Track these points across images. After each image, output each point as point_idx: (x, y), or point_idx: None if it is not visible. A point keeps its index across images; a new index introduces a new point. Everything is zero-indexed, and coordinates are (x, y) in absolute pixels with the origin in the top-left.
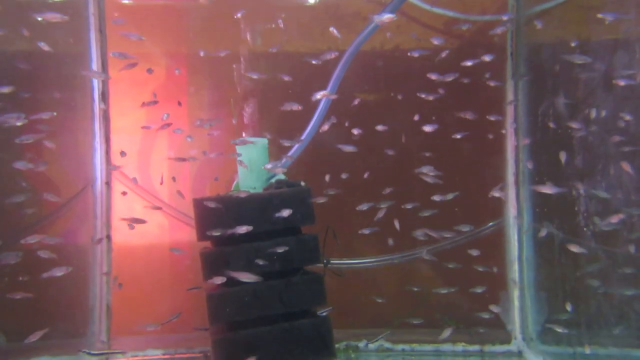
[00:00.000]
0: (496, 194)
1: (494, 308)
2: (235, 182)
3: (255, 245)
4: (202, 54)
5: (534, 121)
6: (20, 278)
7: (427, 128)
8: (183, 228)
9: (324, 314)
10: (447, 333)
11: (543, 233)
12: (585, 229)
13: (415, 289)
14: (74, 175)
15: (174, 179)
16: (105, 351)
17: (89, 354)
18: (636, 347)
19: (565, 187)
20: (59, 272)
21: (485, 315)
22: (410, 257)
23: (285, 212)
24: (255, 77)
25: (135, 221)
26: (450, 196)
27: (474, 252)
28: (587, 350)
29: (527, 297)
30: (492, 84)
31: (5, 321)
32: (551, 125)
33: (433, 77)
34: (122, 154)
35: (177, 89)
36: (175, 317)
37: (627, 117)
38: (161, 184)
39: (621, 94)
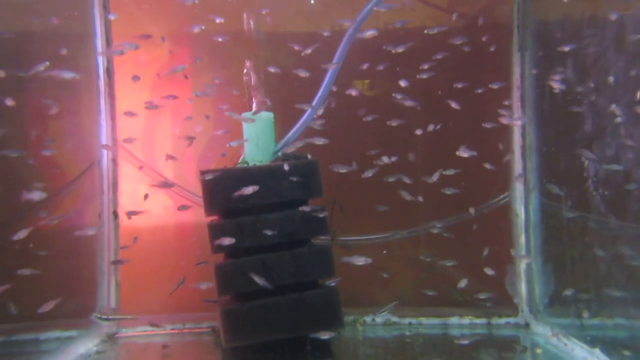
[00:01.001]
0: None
1: (488, 271)
2: (241, 157)
3: (262, 217)
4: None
5: (540, 92)
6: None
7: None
8: (188, 209)
9: (332, 284)
10: (463, 283)
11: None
12: (594, 193)
13: (427, 259)
14: (79, 153)
15: (173, 157)
16: (117, 316)
17: (100, 318)
18: None
19: (574, 155)
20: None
21: (486, 295)
22: (418, 233)
23: (294, 179)
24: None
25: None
26: (451, 172)
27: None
28: (585, 314)
29: (534, 269)
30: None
31: (15, 298)
32: (558, 94)
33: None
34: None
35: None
36: (181, 283)
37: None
38: (167, 159)
39: (633, 50)
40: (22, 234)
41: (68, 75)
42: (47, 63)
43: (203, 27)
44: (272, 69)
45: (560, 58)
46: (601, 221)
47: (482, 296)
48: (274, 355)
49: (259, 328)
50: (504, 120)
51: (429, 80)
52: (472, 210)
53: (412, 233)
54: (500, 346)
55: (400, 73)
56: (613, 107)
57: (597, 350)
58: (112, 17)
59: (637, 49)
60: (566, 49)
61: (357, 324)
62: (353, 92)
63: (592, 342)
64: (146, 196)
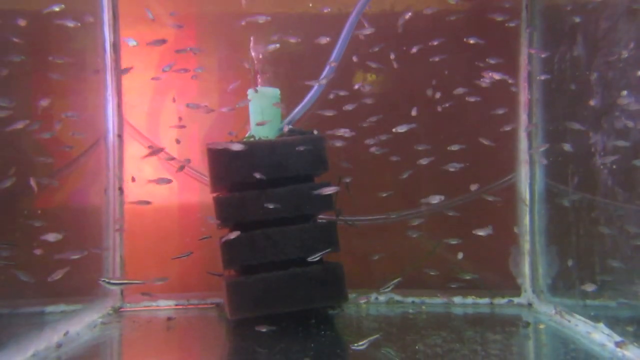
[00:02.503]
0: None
1: (480, 231)
2: (248, 133)
3: (268, 191)
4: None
5: (548, 71)
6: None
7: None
8: (192, 189)
9: (315, 258)
10: (460, 255)
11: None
12: (602, 167)
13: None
14: (86, 130)
15: (178, 141)
16: (125, 280)
17: (108, 282)
18: None
19: (581, 132)
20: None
21: (485, 275)
22: (422, 213)
23: (300, 148)
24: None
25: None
26: (455, 147)
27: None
28: (590, 288)
29: (537, 250)
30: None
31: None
32: (566, 72)
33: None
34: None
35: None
36: (187, 255)
37: None
38: (178, 142)
39: None
40: (51, 237)
41: (71, 23)
42: (63, 5)
43: None
44: (273, 46)
45: (568, 35)
46: (608, 196)
47: (482, 275)
48: (279, 328)
49: (264, 301)
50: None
51: (435, 61)
52: (473, 187)
53: (416, 214)
54: (503, 322)
55: (407, 53)
56: (622, 82)
57: (601, 325)
58: None
59: None
60: (574, 25)
61: (360, 302)
62: (356, 86)
63: (596, 318)
64: (133, 179)
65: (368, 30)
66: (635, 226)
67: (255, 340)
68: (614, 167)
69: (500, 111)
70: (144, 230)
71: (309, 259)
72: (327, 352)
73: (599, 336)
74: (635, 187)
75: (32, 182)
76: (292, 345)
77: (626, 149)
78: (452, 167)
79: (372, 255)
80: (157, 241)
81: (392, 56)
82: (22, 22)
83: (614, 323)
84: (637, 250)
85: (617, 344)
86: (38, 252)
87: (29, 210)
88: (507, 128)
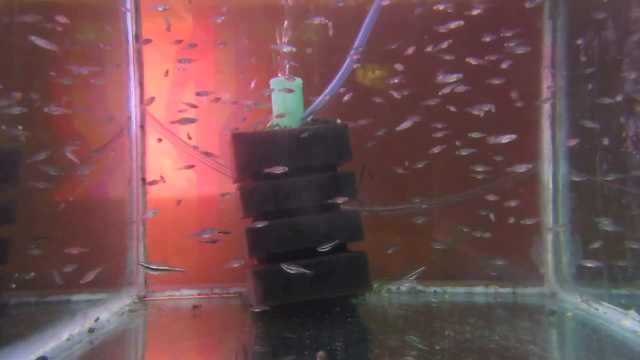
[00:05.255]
0: None
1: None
2: (270, 123)
3: (292, 181)
4: None
5: (573, 60)
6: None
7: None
8: (211, 182)
9: (325, 249)
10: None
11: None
12: (634, 152)
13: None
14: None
15: (190, 137)
16: (164, 267)
17: (147, 267)
18: None
19: (613, 118)
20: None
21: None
22: (445, 204)
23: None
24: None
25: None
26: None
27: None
28: (589, 264)
29: (561, 239)
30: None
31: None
32: (594, 59)
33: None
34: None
35: (205, 40)
36: (213, 241)
37: None
38: (190, 138)
39: None
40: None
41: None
42: None
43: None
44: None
45: (596, 21)
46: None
47: (501, 262)
48: (305, 315)
49: (290, 289)
50: None
51: (458, 51)
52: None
53: (437, 204)
54: (529, 311)
55: (428, 42)
56: None
57: (632, 312)
58: None
59: None
60: (603, 10)
61: (383, 292)
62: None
63: (626, 306)
64: (162, 179)
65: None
66: None
67: (284, 327)
68: None
69: (519, 104)
70: (166, 221)
71: (319, 249)
72: (355, 338)
73: (630, 323)
74: None
75: (71, 155)
76: (320, 332)
77: None
78: (466, 151)
79: (392, 246)
80: (179, 231)
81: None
82: (61, 19)
83: None
84: None
85: None
86: (70, 250)
87: (55, 202)
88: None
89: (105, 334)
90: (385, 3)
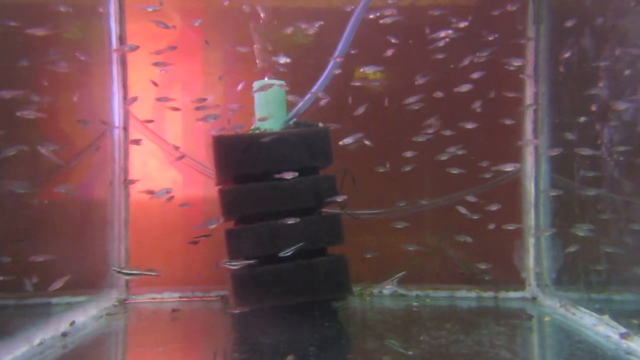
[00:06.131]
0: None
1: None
2: (253, 126)
3: (273, 184)
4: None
5: (555, 64)
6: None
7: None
8: (196, 183)
9: (288, 253)
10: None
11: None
12: (608, 159)
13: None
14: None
15: (177, 147)
16: (137, 271)
17: (120, 272)
18: None
19: (589, 122)
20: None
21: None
22: (427, 208)
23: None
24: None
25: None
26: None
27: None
28: (595, 280)
29: (542, 244)
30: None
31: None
32: (574, 65)
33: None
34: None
35: (193, 42)
36: (205, 235)
37: None
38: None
39: None
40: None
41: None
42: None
43: None
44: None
45: (575, 28)
46: (614, 188)
47: (483, 266)
48: (283, 319)
49: (268, 293)
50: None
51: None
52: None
53: (420, 208)
54: (507, 315)
55: (414, 48)
56: (628, 72)
57: (606, 317)
58: None
59: None
60: (581, 17)
61: (365, 295)
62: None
63: (601, 310)
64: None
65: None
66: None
67: (261, 332)
68: (621, 159)
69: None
70: (149, 224)
71: (280, 254)
72: (331, 342)
73: (604, 328)
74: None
75: (45, 151)
76: (296, 336)
77: (632, 140)
78: (446, 156)
79: (373, 249)
80: (161, 234)
81: (389, 52)
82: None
83: (619, 315)
84: None
85: (622, 336)
86: (35, 257)
87: (35, 203)
88: (508, 122)
89: (80, 338)
90: (371, 16)
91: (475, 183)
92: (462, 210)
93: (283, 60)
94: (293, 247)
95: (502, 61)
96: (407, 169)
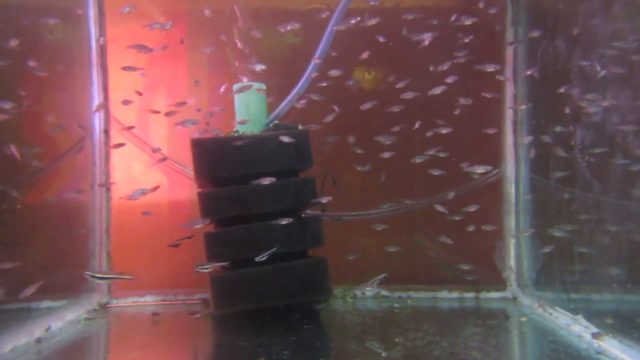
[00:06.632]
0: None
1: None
2: (234, 129)
3: (252, 187)
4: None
5: (532, 66)
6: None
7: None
8: (182, 186)
9: (262, 258)
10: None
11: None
12: (580, 160)
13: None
14: (72, 126)
15: (157, 149)
16: (110, 275)
17: (93, 276)
18: (628, 292)
19: (563, 124)
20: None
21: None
22: (409, 209)
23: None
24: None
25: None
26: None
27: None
28: (570, 280)
29: (522, 245)
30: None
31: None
32: (548, 67)
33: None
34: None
35: (176, 45)
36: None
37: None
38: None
39: (618, 15)
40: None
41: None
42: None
43: None
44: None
45: (550, 29)
46: (586, 189)
47: (464, 267)
48: (262, 322)
49: (248, 295)
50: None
51: (421, 59)
52: (478, 169)
53: (402, 209)
54: (486, 316)
55: (395, 50)
56: (601, 72)
57: (579, 317)
58: None
59: (622, 14)
60: (555, 19)
61: (347, 297)
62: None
63: (575, 310)
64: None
65: (374, 21)
66: (612, 218)
67: (239, 335)
68: (592, 160)
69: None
70: (133, 227)
71: (256, 259)
72: (307, 345)
73: (578, 328)
74: (610, 179)
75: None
76: (273, 339)
77: (602, 142)
78: (421, 158)
79: (355, 251)
80: (146, 237)
81: (366, 54)
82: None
83: (592, 315)
84: (613, 242)
85: (594, 335)
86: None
87: (15, 207)
88: (491, 131)
89: (55, 344)
90: (352, 21)
91: (457, 184)
92: (440, 208)
93: (259, 67)
94: (266, 252)
95: (475, 67)
96: (383, 178)
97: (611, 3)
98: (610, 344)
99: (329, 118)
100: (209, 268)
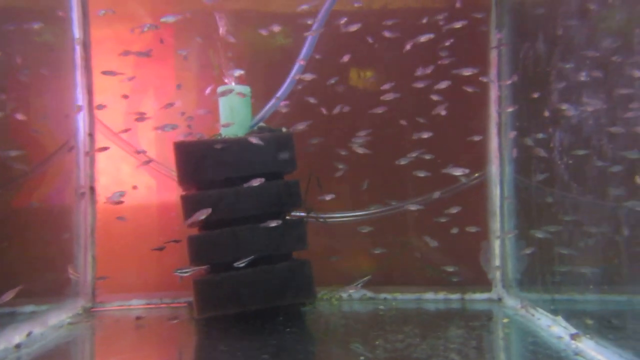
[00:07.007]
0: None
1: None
2: (219, 133)
3: (236, 190)
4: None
5: (515, 69)
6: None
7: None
8: (170, 189)
9: (241, 264)
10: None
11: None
12: (559, 162)
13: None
14: (57, 129)
15: (142, 152)
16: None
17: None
18: (605, 293)
19: (543, 128)
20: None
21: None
22: (393, 211)
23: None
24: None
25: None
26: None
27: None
28: (551, 281)
29: (507, 246)
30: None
31: None
32: (530, 69)
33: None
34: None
35: (163, 47)
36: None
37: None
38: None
39: (594, 17)
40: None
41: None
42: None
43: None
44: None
45: (531, 32)
46: (565, 190)
47: (450, 269)
48: (246, 326)
49: (232, 299)
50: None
51: (407, 60)
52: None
53: (388, 211)
54: (469, 317)
55: (379, 52)
56: (577, 79)
57: (559, 318)
58: None
59: (597, 17)
60: (535, 22)
61: (333, 299)
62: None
63: (556, 311)
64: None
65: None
66: (588, 219)
67: (220, 339)
68: (570, 162)
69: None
70: (120, 230)
71: (235, 265)
72: (287, 348)
73: (558, 329)
74: (587, 180)
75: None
76: (253, 343)
77: (579, 144)
78: (406, 160)
79: (339, 253)
80: (134, 240)
81: (346, 58)
82: None
83: (571, 316)
84: (589, 243)
85: (572, 336)
86: None
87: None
88: (477, 139)
89: (36, 349)
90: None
91: (443, 186)
92: (413, 207)
93: (237, 73)
94: (246, 259)
95: (452, 72)
96: (365, 185)
97: (587, 6)
98: (588, 345)
99: (301, 126)
100: (188, 272)
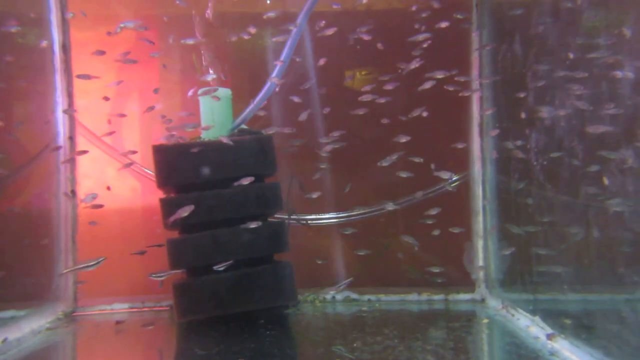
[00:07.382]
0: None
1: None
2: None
3: (216, 192)
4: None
5: (495, 69)
6: None
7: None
8: (156, 191)
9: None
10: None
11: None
12: (535, 163)
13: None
14: (37, 132)
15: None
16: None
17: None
18: (578, 292)
19: (521, 128)
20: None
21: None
22: (375, 213)
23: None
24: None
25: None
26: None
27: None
28: (529, 281)
29: (490, 246)
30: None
31: None
32: (508, 70)
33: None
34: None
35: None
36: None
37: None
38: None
39: (566, 19)
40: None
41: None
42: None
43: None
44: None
45: (509, 33)
46: (540, 191)
47: (434, 269)
48: (226, 329)
49: (212, 302)
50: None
51: (390, 61)
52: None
53: (370, 213)
54: (450, 318)
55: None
56: (550, 80)
57: (537, 318)
58: None
59: (569, 18)
60: (512, 22)
61: (317, 301)
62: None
63: (534, 311)
64: (108, 188)
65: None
66: (562, 220)
67: (198, 343)
68: (544, 162)
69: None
70: (105, 233)
71: (214, 268)
72: (265, 352)
73: (535, 329)
74: (560, 182)
75: None
76: (231, 347)
77: (551, 145)
78: (387, 162)
79: (324, 254)
80: (118, 244)
81: (323, 61)
82: None
83: (547, 316)
84: (563, 243)
85: (548, 336)
86: None
87: None
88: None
89: (10, 356)
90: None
91: (427, 187)
92: (390, 206)
93: (210, 78)
94: (224, 264)
95: (426, 75)
96: (347, 188)
97: (559, 7)
98: (562, 345)
99: (282, 130)
100: (163, 275)
